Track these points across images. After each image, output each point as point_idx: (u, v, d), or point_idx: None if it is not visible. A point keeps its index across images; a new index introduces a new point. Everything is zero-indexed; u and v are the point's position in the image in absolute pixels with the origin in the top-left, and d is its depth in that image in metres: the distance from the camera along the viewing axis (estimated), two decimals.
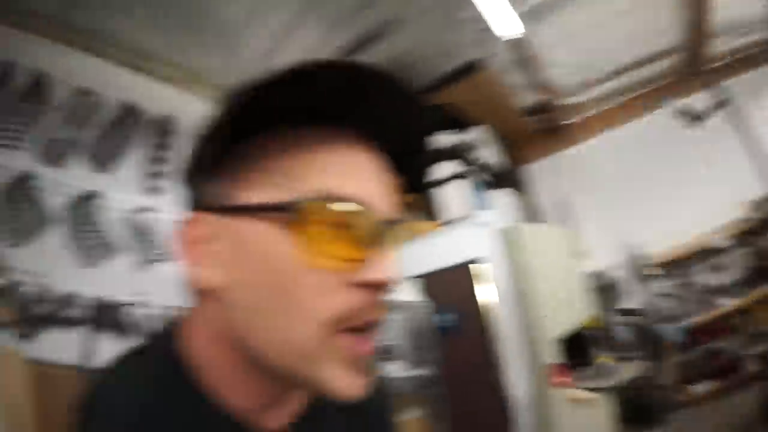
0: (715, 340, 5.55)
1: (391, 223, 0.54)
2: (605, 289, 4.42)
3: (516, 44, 4.56)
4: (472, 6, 3.96)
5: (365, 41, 4.24)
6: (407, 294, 3.98)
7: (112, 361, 0.63)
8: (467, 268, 4.50)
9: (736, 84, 5.95)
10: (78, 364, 3.25)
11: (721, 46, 5.84)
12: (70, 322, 3.31)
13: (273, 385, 0.59)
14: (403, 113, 0.57)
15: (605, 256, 5.54)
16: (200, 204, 0.57)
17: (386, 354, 3.51)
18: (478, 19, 4.14)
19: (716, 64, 6.14)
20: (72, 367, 3.21)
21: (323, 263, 0.50)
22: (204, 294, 0.57)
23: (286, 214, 0.49)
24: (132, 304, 3.51)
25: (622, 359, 4.03)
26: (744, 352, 4.73)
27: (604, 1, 4.66)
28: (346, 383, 0.51)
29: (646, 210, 5.86)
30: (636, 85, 6.23)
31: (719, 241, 5.58)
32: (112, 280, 3.54)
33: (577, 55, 5.20)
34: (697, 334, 5.49)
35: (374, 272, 0.50)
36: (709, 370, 5.42)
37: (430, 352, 3.82)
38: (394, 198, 0.58)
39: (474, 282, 4.45)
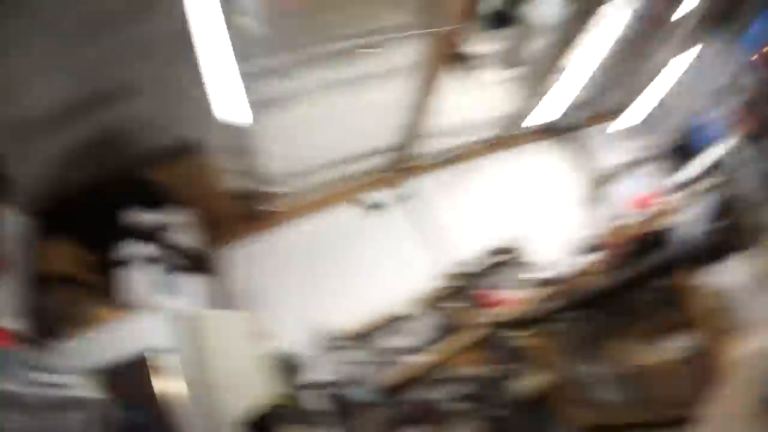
0: (412, 392, 6.14)
1: None
2: (294, 367, 4.55)
3: (235, 130, 4.60)
4: (203, 86, 3.95)
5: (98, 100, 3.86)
6: (85, 390, 3.43)
7: None
8: (152, 359, 4.11)
9: (424, 181, 7.29)
10: None
11: (423, 147, 7.16)
12: None
13: None
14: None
15: (295, 336, 5.84)
16: None
17: None
18: (206, 100, 4.11)
19: (413, 164, 7.42)
20: None
21: None
22: None
23: None
24: None
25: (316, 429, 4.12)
26: (445, 396, 5.30)
27: (328, 102, 5.17)
28: None
29: (338, 289, 6.40)
30: (341, 179, 6.88)
31: (408, 309, 6.47)
32: None
33: (292, 148, 5.53)
34: (393, 390, 6.01)
35: None
36: (417, 418, 5.91)
37: None
38: None
39: (158, 374, 4.12)
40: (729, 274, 3.93)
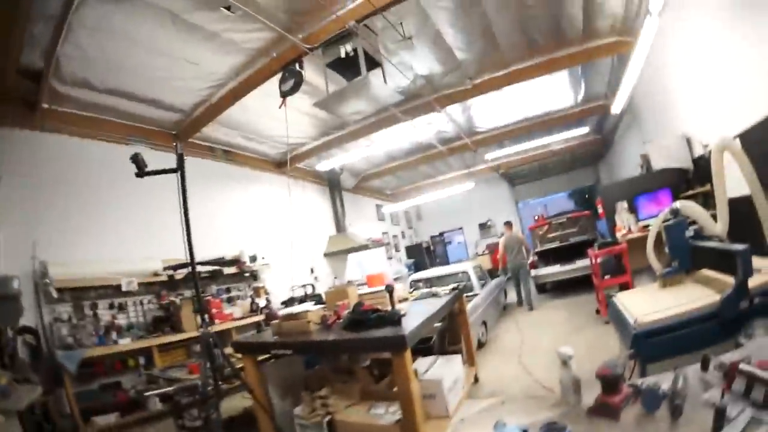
0: (113, 375, 5.35)
1: None
2: (6, 299, 3.85)
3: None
4: None
5: None
6: None
7: None
8: None
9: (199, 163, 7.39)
10: None
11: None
12: None
13: None
14: None
15: (12, 263, 4.78)
16: None
17: None
18: None
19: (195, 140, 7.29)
20: None
21: None
22: None
23: None
24: None
25: (22, 381, 3.54)
26: (145, 390, 4.62)
27: (158, 29, 4.72)
28: None
29: (77, 229, 5.52)
30: (125, 114, 6.22)
31: (129, 284, 5.69)
32: None
33: (100, 52, 4.84)
34: (95, 367, 5.21)
35: None
36: (112, 404, 5.14)
37: None
38: None
39: None
40: (439, 369, 4.40)
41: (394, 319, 3.78)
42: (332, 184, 11.54)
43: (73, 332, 5.13)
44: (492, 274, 10.50)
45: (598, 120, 11.54)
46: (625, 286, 6.39)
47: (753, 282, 2.69)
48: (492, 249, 14.77)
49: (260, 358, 4.42)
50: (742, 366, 1.47)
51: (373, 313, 3.95)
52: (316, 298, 7.43)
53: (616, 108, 8.38)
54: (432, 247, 17.46)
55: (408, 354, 3.34)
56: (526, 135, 10.97)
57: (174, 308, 6.09)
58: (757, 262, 2.86)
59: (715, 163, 3.47)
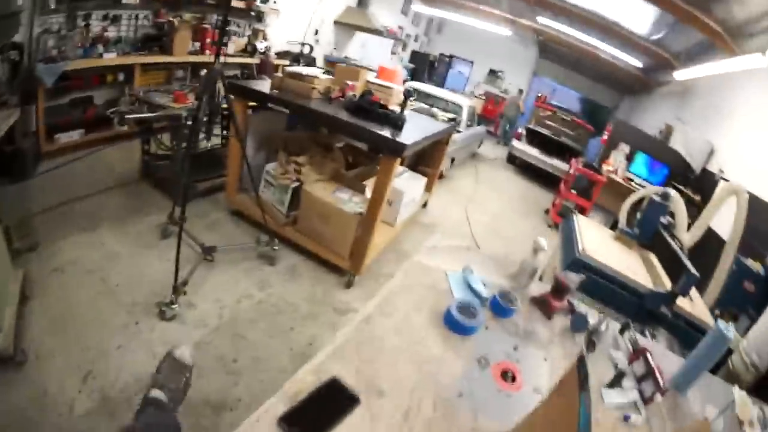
0: (88, 90, 5.20)
1: None
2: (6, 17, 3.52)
3: None
4: None
5: None
6: None
7: None
8: None
9: None
10: None
11: None
12: None
13: None
14: None
15: None
16: None
17: None
18: None
19: None
20: None
21: None
22: None
23: None
24: None
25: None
26: (127, 113, 4.31)
27: None
28: None
29: None
30: None
31: None
32: None
33: None
34: (73, 80, 4.91)
35: None
36: (80, 121, 5.04)
37: None
38: None
39: None
40: (405, 182, 4.80)
41: (398, 123, 3.87)
42: None
43: (60, 44, 4.70)
44: (479, 121, 10.67)
45: (655, 65, 11.22)
46: (581, 210, 6.88)
47: (681, 302, 3.02)
48: (489, 98, 14.85)
49: (260, 105, 4.35)
50: (650, 357, 1.68)
51: (381, 107, 4.02)
52: (311, 60, 7.40)
53: (679, 75, 8.29)
54: (436, 64, 17.11)
55: (399, 161, 3.58)
56: (585, 26, 10.52)
57: (169, 28, 5.84)
58: (694, 292, 3.22)
59: (719, 194, 3.65)
